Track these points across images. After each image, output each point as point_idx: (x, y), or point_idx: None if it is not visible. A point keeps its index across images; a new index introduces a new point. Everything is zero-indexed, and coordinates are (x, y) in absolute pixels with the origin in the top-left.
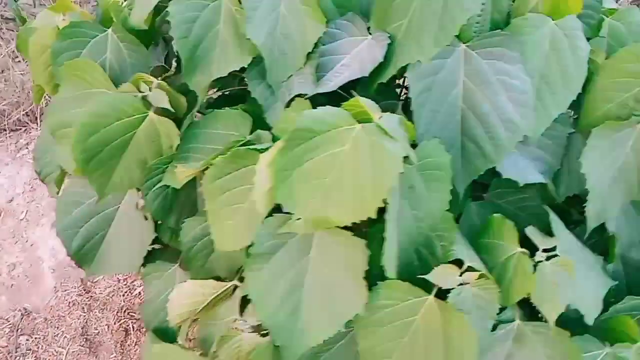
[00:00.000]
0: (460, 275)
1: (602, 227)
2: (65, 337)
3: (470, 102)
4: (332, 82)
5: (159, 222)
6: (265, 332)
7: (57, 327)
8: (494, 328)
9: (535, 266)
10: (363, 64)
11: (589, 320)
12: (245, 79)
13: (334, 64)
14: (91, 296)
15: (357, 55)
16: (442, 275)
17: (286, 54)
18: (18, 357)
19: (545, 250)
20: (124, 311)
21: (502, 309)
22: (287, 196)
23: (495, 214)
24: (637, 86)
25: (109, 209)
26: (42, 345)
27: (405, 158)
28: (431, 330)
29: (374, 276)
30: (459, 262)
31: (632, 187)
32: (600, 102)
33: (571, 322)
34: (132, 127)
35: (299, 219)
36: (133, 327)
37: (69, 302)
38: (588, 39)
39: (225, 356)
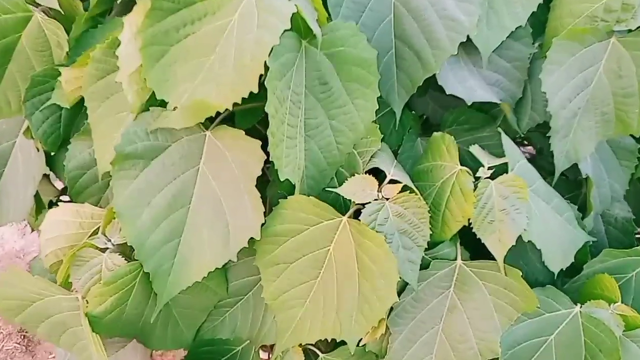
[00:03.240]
0: (380, 191)
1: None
2: (1, 333)
3: None
4: None
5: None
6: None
7: None
8: (427, 266)
9: (477, 185)
10: None
11: (553, 268)
12: None
13: None
14: None
15: None
16: (355, 187)
17: None
18: None
19: (492, 170)
20: None
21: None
22: (161, 79)
23: (435, 132)
24: None
25: (4, 144)
26: None
27: (312, 37)
28: (345, 263)
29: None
30: (381, 180)
31: (608, 120)
32: (566, 18)
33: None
34: (14, 28)
35: (175, 108)
36: None
37: None
38: None
39: (80, 285)
